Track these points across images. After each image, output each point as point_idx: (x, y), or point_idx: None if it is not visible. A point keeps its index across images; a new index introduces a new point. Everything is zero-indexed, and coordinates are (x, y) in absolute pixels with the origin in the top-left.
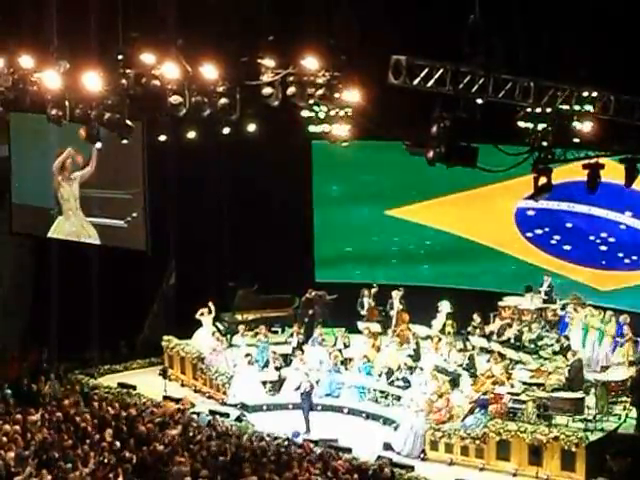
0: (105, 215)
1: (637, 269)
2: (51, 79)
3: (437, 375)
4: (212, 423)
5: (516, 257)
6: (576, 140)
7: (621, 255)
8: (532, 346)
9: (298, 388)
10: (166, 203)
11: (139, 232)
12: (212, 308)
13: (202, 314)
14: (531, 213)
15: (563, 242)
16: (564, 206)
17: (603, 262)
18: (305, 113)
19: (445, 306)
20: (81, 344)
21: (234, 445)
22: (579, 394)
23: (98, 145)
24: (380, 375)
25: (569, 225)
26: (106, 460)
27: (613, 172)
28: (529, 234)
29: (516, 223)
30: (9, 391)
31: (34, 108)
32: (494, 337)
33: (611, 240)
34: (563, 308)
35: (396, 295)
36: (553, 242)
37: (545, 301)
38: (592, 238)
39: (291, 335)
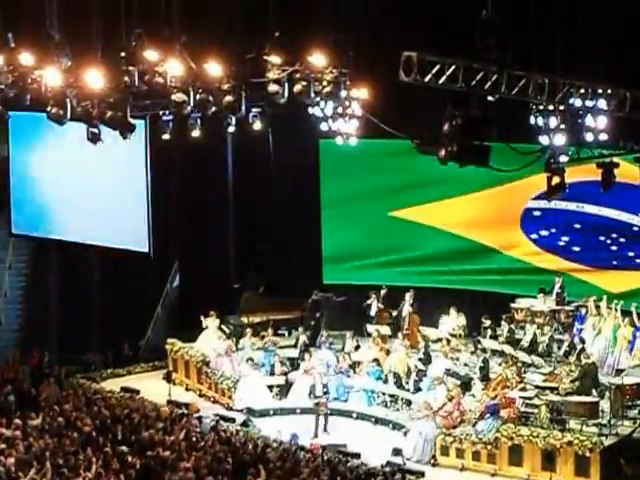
0: None
1: None
2: (52, 77)
3: (446, 379)
4: (216, 428)
5: (523, 260)
6: (590, 138)
7: (632, 254)
8: (545, 349)
9: (311, 393)
10: (169, 203)
11: (142, 234)
12: (214, 314)
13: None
14: (537, 214)
15: (572, 243)
16: (573, 206)
17: (614, 262)
18: (312, 111)
19: (454, 313)
20: (83, 347)
21: (240, 450)
22: (593, 398)
23: (99, 144)
24: (387, 379)
25: (578, 226)
26: (109, 465)
27: (626, 173)
28: (534, 235)
29: (522, 224)
30: (12, 397)
31: (34, 106)
32: (505, 339)
33: (622, 240)
34: (577, 310)
35: (409, 297)
36: (561, 243)
37: (558, 303)
38: (602, 239)
39: (297, 338)
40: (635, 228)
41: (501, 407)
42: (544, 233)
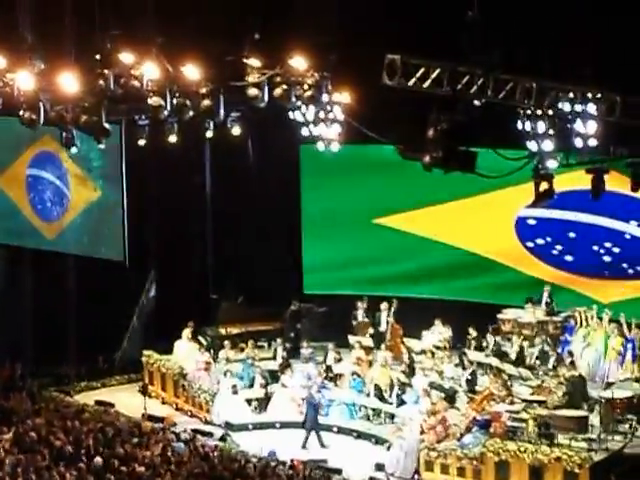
0: None
1: None
2: (25, 80)
3: (431, 392)
4: (193, 442)
5: (515, 268)
6: (579, 144)
7: (625, 266)
8: (533, 361)
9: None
10: (145, 211)
11: (117, 242)
12: (192, 325)
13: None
14: (532, 222)
15: (565, 252)
16: (568, 215)
17: (606, 272)
18: (293, 115)
19: (440, 324)
20: (57, 359)
21: (218, 466)
22: (582, 412)
23: (73, 150)
24: (369, 392)
25: (572, 235)
26: None
27: (618, 181)
28: (530, 244)
29: (516, 232)
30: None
31: (7, 111)
32: (491, 351)
33: (615, 250)
34: (566, 321)
35: (384, 308)
36: (555, 252)
37: (547, 313)
38: (596, 248)
39: (275, 350)
40: (627, 236)
41: (488, 421)
42: (540, 242)
